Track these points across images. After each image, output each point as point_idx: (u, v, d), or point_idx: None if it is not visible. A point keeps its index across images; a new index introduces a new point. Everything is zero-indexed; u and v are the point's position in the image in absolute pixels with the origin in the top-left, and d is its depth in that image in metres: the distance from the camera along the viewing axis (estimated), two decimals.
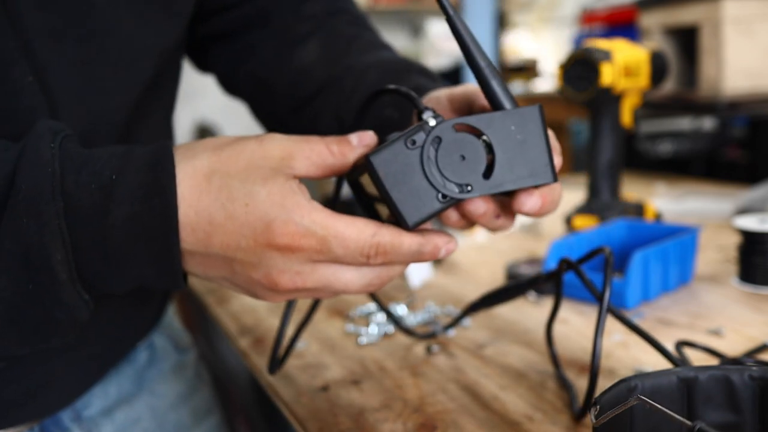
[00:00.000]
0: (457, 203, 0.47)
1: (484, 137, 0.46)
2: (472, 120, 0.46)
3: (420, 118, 0.48)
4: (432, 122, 0.46)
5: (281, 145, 0.46)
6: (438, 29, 4.12)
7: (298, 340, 0.65)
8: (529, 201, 0.48)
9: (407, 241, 0.46)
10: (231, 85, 0.78)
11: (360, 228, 0.45)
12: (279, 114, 0.74)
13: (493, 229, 0.52)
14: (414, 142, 0.45)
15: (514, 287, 0.65)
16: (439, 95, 0.57)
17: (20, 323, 0.45)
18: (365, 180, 0.50)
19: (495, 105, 0.48)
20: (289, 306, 0.61)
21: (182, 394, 0.77)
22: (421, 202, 0.45)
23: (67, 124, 0.51)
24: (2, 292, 0.43)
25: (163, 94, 0.66)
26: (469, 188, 0.46)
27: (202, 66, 0.80)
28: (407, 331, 0.73)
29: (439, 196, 0.45)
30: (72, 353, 0.60)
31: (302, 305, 0.81)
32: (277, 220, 0.44)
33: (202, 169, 0.45)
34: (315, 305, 0.64)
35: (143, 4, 0.58)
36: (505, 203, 0.51)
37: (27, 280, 0.43)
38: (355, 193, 0.54)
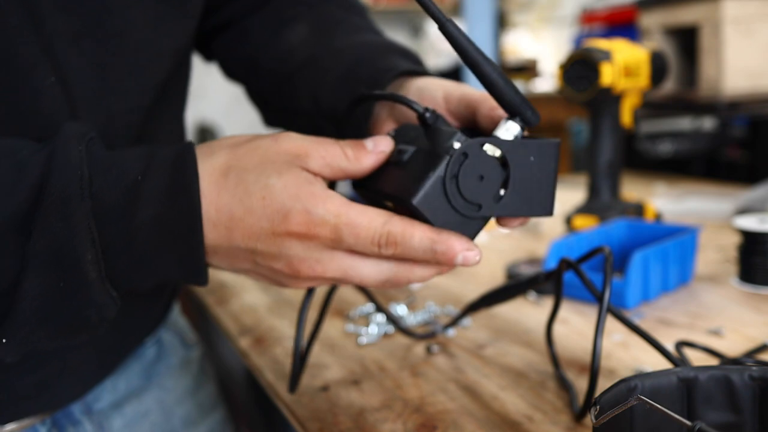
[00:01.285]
0: (491, 217, 0.48)
1: (506, 161, 0.47)
2: (504, 144, 0.47)
3: (422, 120, 0.49)
4: (457, 145, 0.46)
5: (296, 142, 0.47)
6: (438, 29, 4.12)
7: (309, 356, 0.64)
8: (516, 222, 0.50)
9: (418, 233, 0.46)
10: (229, 69, 0.79)
11: (371, 216, 0.46)
12: (263, 93, 0.74)
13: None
14: (452, 176, 0.46)
15: (513, 287, 0.65)
16: (435, 93, 0.57)
17: (51, 320, 0.46)
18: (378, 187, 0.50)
19: (513, 112, 0.49)
20: (301, 320, 0.61)
21: (188, 389, 0.78)
22: (467, 227, 0.47)
23: (86, 119, 0.53)
24: (34, 290, 0.44)
25: (175, 92, 0.68)
26: (478, 209, 0.47)
27: (207, 55, 0.81)
28: (407, 331, 0.73)
29: (478, 215, 0.47)
30: (84, 348, 0.61)
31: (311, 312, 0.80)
32: (293, 210, 0.45)
33: (219, 167, 0.47)
34: (320, 319, 0.64)
35: (158, 6, 0.59)
36: None
37: (58, 278, 0.44)
38: (365, 198, 0.54)
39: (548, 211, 0.49)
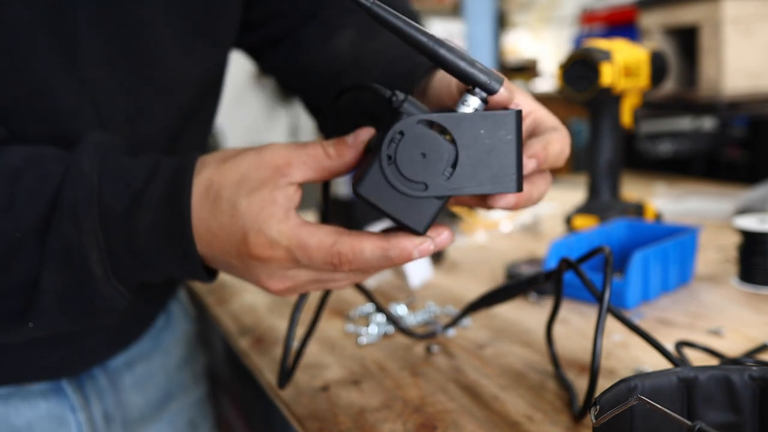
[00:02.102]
0: (450, 195, 0.46)
1: (451, 137, 0.45)
2: (440, 117, 0.45)
3: (389, 104, 0.47)
4: (399, 127, 0.45)
5: (279, 153, 0.48)
6: (438, 28, 4.12)
7: (302, 355, 0.65)
8: (503, 200, 0.48)
9: (368, 247, 0.46)
10: (284, 82, 0.82)
11: (320, 238, 0.47)
12: (316, 100, 0.76)
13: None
14: (390, 158, 0.45)
15: (513, 287, 0.65)
16: (450, 81, 0.56)
17: (68, 309, 0.51)
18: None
19: (473, 84, 0.46)
20: (292, 322, 0.62)
21: (186, 358, 0.85)
22: (422, 207, 0.45)
23: None
24: (52, 284, 0.49)
25: (203, 116, 0.73)
26: (424, 188, 0.45)
27: (264, 69, 0.84)
28: (407, 331, 0.73)
29: (426, 195, 0.45)
30: (103, 330, 0.69)
31: (307, 308, 0.81)
32: (251, 231, 0.47)
33: (204, 182, 0.49)
34: (315, 320, 0.64)
35: (187, 35, 0.63)
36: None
37: (71, 275, 0.49)
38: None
39: (512, 186, 0.46)
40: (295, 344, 0.67)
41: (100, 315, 0.53)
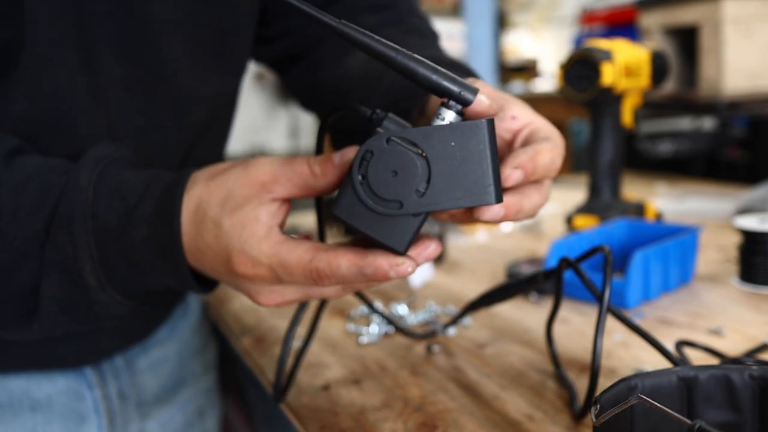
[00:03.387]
0: (429, 211, 0.44)
1: (422, 152, 0.43)
2: (408, 133, 0.44)
3: (370, 123, 0.47)
4: (373, 145, 0.44)
5: (265, 169, 0.48)
6: (438, 29, 4.11)
7: (299, 366, 0.65)
8: (488, 212, 0.47)
9: (344, 263, 0.46)
10: (302, 99, 0.83)
11: (299, 255, 0.47)
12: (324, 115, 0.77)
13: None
14: (364, 177, 0.44)
15: (513, 286, 0.65)
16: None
17: (69, 313, 0.52)
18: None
19: (447, 96, 0.45)
20: (289, 335, 0.62)
21: (199, 347, 0.87)
22: (400, 226, 0.44)
23: None
24: (53, 290, 0.51)
25: (216, 133, 0.74)
26: (399, 206, 0.43)
27: (286, 85, 0.85)
28: (406, 331, 0.73)
29: (410, 214, 0.44)
30: (122, 326, 0.71)
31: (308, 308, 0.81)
32: (234, 251, 0.48)
33: (193, 200, 0.50)
34: (311, 333, 0.65)
35: (204, 57, 0.66)
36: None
37: (68, 282, 0.51)
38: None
39: (489, 198, 0.44)
40: (296, 344, 0.67)
41: (100, 320, 0.54)
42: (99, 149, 0.54)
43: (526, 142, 0.53)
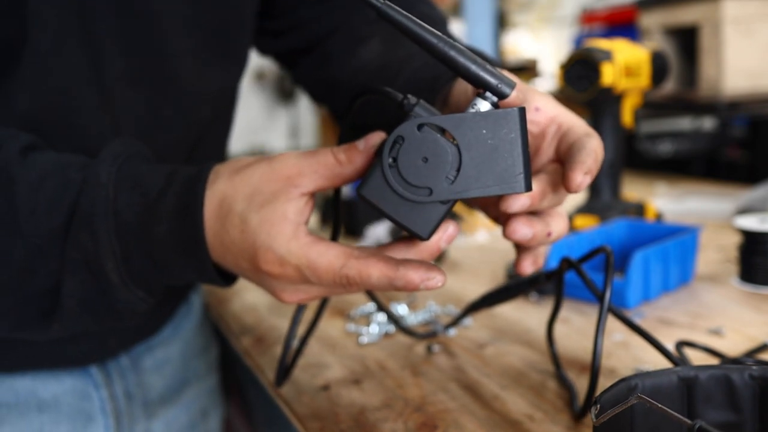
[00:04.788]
0: (457, 199, 0.45)
1: (453, 140, 0.44)
2: (440, 120, 0.44)
3: (401, 108, 0.46)
4: (406, 128, 0.44)
5: (290, 163, 0.48)
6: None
7: (301, 354, 0.65)
8: (516, 202, 0.47)
9: (375, 273, 0.46)
10: (313, 93, 0.83)
11: (330, 260, 0.47)
12: (343, 110, 0.77)
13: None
14: (395, 160, 0.44)
15: (514, 286, 0.65)
16: (467, 87, 0.55)
17: (91, 312, 0.52)
18: None
19: (484, 87, 0.45)
20: (294, 322, 0.62)
21: (202, 347, 0.87)
22: (427, 212, 0.44)
23: None
24: (74, 289, 0.50)
25: (220, 126, 0.74)
26: (429, 193, 0.44)
27: (295, 79, 0.85)
28: (408, 331, 0.73)
29: (439, 201, 0.44)
30: (125, 328, 0.71)
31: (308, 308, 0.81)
32: (261, 248, 0.47)
33: (217, 194, 0.49)
34: (316, 318, 0.65)
35: (205, 54, 0.66)
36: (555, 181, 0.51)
37: (90, 281, 0.50)
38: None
39: (520, 186, 0.44)
40: (295, 342, 0.67)
41: (123, 318, 0.54)
42: (115, 145, 0.53)
43: (565, 140, 0.53)
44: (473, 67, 0.44)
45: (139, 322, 0.71)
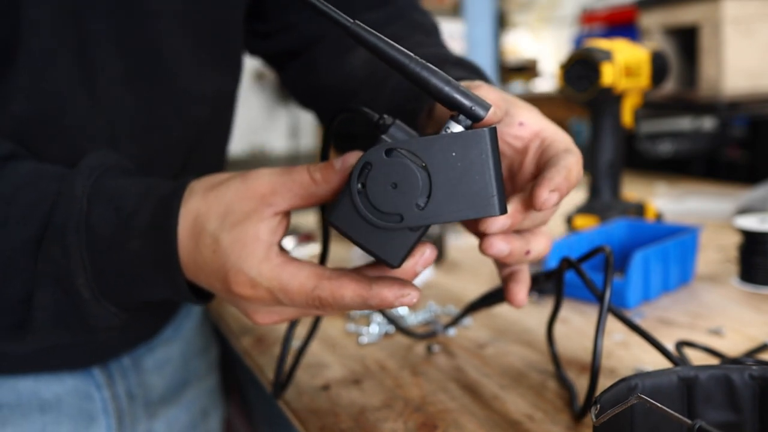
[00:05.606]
0: (428, 224, 0.43)
1: (423, 164, 0.42)
2: (407, 144, 0.42)
3: (376, 128, 0.45)
4: (374, 154, 0.42)
5: (264, 180, 0.47)
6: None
7: (299, 364, 0.65)
8: (495, 224, 0.47)
9: (348, 293, 0.45)
10: (300, 98, 0.83)
11: (301, 282, 0.46)
12: (327, 117, 0.76)
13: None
14: (363, 185, 0.43)
15: None
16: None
17: (63, 325, 0.51)
18: None
19: (457, 109, 0.43)
20: (289, 335, 0.62)
21: (202, 347, 0.87)
22: (397, 239, 0.43)
23: (128, 156, 0.58)
24: (45, 302, 0.50)
25: (219, 129, 0.74)
26: (399, 219, 0.42)
27: (284, 83, 0.85)
28: (407, 331, 0.73)
29: (408, 228, 0.43)
30: (130, 327, 0.69)
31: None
32: (232, 270, 0.46)
33: (191, 212, 0.48)
34: (312, 331, 0.65)
35: (200, 53, 0.66)
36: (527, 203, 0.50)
37: (61, 294, 0.49)
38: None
39: (494, 209, 0.42)
40: (296, 343, 0.67)
41: (97, 332, 0.53)
42: (94, 157, 0.53)
43: (544, 156, 0.51)
44: (446, 89, 0.43)
45: (135, 323, 0.71)
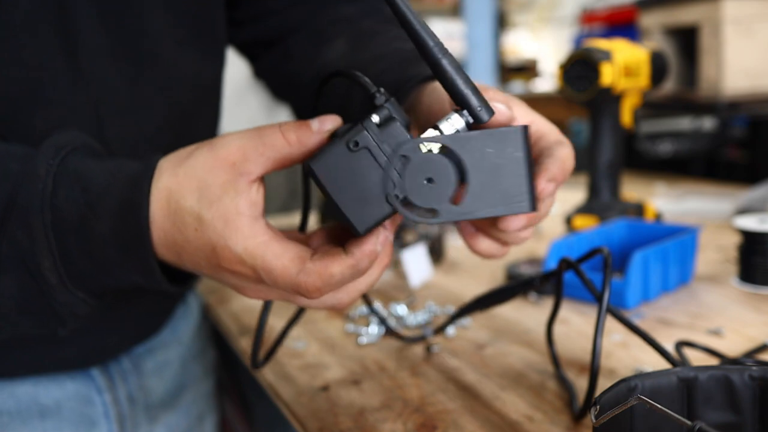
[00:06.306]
0: (407, 206, 0.43)
1: (459, 160, 0.43)
2: (446, 140, 0.43)
3: (371, 100, 0.45)
4: (375, 118, 0.43)
5: (233, 146, 0.45)
6: (438, 29, 4.12)
7: (285, 337, 0.64)
8: (514, 222, 0.48)
9: (337, 269, 0.44)
10: (275, 89, 0.82)
11: (285, 264, 0.44)
12: (305, 111, 0.76)
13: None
14: (357, 144, 0.42)
15: (507, 289, 0.65)
16: (445, 99, 0.55)
17: (29, 314, 0.50)
18: None
19: (463, 105, 0.44)
20: (266, 306, 0.61)
21: (199, 351, 0.86)
22: (370, 207, 0.43)
23: (114, 135, 0.58)
24: (10, 288, 0.47)
25: (205, 114, 0.73)
26: (434, 214, 0.43)
27: (256, 73, 0.84)
28: (396, 334, 0.72)
29: (389, 197, 0.42)
30: (126, 322, 0.71)
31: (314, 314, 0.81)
32: (218, 246, 0.45)
33: (163, 191, 0.46)
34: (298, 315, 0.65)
35: (183, 30, 0.65)
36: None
37: (27, 280, 0.47)
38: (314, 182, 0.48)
39: (525, 206, 0.44)
40: (296, 344, 0.66)
41: (63, 321, 0.51)
42: (61, 136, 0.50)
43: (536, 148, 0.52)
44: (459, 82, 0.43)
45: (130, 320, 0.70)
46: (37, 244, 0.46)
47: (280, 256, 0.44)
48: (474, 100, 0.44)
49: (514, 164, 0.43)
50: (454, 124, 0.44)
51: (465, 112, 0.44)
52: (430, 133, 0.44)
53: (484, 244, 0.52)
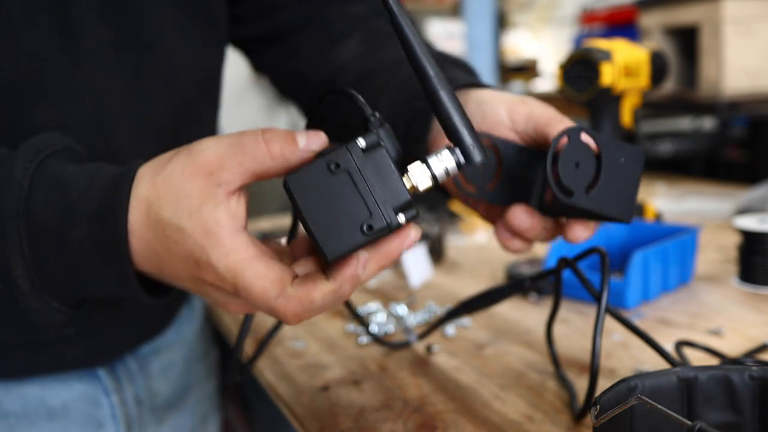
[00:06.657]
0: (383, 235, 0.41)
1: (600, 156, 0.50)
2: (597, 136, 0.50)
3: (365, 123, 0.43)
4: (362, 142, 0.41)
5: (210, 153, 0.43)
6: (438, 29, 4.12)
7: (268, 343, 0.65)
8: (584, 233, 0.53)
9: (318, 295, 0.42)
10: (279, 85, 0.82)
11: (265, 286, 0.42)
12: (312, 111, 0.75)
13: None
14: (338, 166, 0.40)
15: (497, 291, 0.64)
16: (498, 109, 0.54)
17: (6, 320, 0.49)
18: None
19: (455, 142, 0.42)
20: (246, 322, 0.59)
21: (203, 352, 0.87)
22: (342, 234, 0.40)
23: (115, 126, 0.58)
24: None
25: (206, 101, 0.73)
26: (570, 195, 0.50)
27: (257, 67, 0.84)
28: (380, 340, 0.72)
29: (364, 227, 0.40)
30: (132, 322, 0.71)
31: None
32: (200, 259, 0.43)
33: (143, 200, 0.44)
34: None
35: (184, 20, 0.65)
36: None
37: (1, 286, 0.46)
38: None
39: (628, 216, 0.51)
40: (296, 344, 0.66)
41: (41, 328, 0.49)
42: (41, 138, 0.48)
43: (540, 133, 0.55)
44: (456, 118, 0.42)
45: (135, 320, 0.70)
46: (9, 248, 0.44)
47: (262, 277, 0.42)
48: (468, 139, 0.42)
49: (633, 179, 0.51)
50: (443, 160, 0.42)
51: (457, 150, 0.42)
52: (417, 166, 0.42)
53: (516, 243, 0.60)
